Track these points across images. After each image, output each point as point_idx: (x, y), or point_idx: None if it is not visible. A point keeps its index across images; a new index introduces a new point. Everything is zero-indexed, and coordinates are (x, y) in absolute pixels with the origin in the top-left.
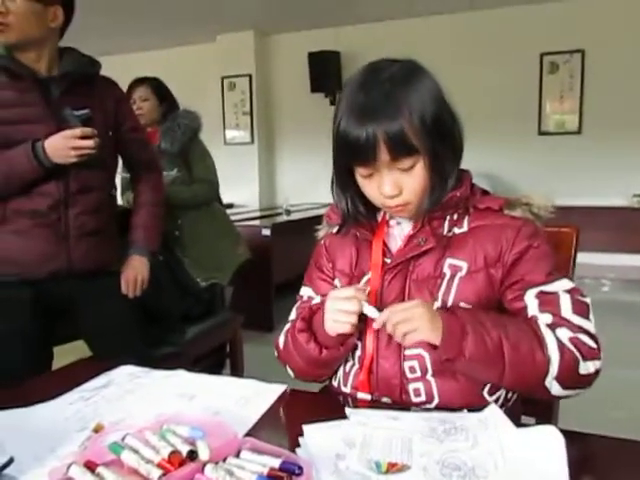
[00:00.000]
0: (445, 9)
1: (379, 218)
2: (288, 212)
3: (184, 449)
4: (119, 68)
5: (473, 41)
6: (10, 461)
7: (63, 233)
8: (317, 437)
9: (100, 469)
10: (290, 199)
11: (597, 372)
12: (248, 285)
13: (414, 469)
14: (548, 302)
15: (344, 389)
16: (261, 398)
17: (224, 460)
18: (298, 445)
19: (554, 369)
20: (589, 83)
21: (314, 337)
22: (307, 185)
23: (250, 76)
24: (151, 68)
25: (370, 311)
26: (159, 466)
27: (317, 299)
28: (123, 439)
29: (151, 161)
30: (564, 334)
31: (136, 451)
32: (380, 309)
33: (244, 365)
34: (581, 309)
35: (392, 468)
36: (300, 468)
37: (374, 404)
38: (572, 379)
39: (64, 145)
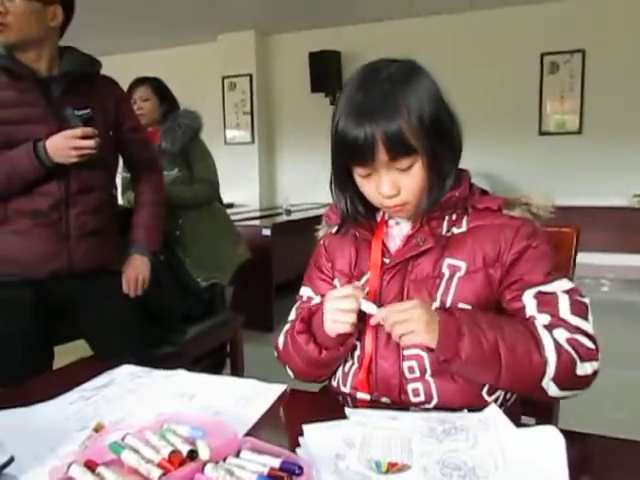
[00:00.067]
0: (445, 9)
1: (378, 218)
2: (288, 212)
3: (184, 449)
4: (120, 68)
5: (473, 41)
6: (10, 460)
7: (64, 233)
8: (317, 437)
9: (100, 469)
10: (290, 199)
11: (595, 373)
12: (248, 285)
13: (414, 469)
14: (546, 302)
15: (343, 389)
16: (261, 398)
17: (224, 460)
18: (298, 445)
19: (551, 370)
20: (590, 83)
21: (313, 338)
22: (307, 185)
23: (251, 76)
24: (152, 68)
25: (368, 307)
26: (159, 466)
27: (317, 299)
28: (123, 439)
29: (152, 161)
30: (561, 335)
31: (136, 451)
32: (379, 306)
33: (244, 365)
34: (579, 310)
35: (392, 468)
36: (300, 468)
37: (373, 404)
38: (569, 380)
39: (65, 145)
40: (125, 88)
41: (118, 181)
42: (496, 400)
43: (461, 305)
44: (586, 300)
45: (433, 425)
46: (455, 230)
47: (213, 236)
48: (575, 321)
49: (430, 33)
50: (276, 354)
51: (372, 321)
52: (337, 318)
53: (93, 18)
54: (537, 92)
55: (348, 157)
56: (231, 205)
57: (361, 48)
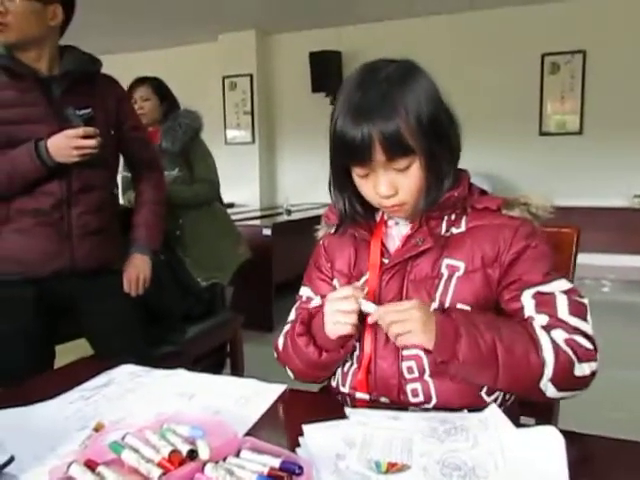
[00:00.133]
0: (446, 9)
1: (377, 218)
2: (289, 212)
3: (184, 448)
4: (120, 67)
5: (474, 41)
6: (11, 460)
7: (66, 232)
8: (317, 437)
9: (100, 468)
10: (291, 199)
11: (593, 374)
12: (248, 285)
13: (414, 469)
14: (544, 303)
15: (342, 389)
16: (261, 398)
17: (224, 459)
18: (298, 445)
19: (549, 371)
20: (590, 84)
21: (313, 340)
22: (308, 185)
23: (251, 76)
24: (152, 67)
25: (368, 308)
26: (159, 465)
27: (316, 299)
28: (123, 438)
29: (152, 160)
30: (559, 335)
31: (136, 450)
32: (379, 305)
33: (244, 365)
34: (578, 310)
35: (392, 468)
36: (300, 468)
37: (372, 404)
38: (567, 381)
39: (66, 144)
40: (125, 88)
41: (119, 181)
42: (495, 400)
43: (460, 305)
44: (585, 301)
45: (434, 425)
46: (454, 230)
47: (213, 236)
48: (573, 322)
49: (430, 33)
50: (276, 355)
51: (370, 319)
52: (337, 320)
53: (93, 17)
54: (538, 92)
55: (346, 157)
56: (231, 205)
57: (362, 48)
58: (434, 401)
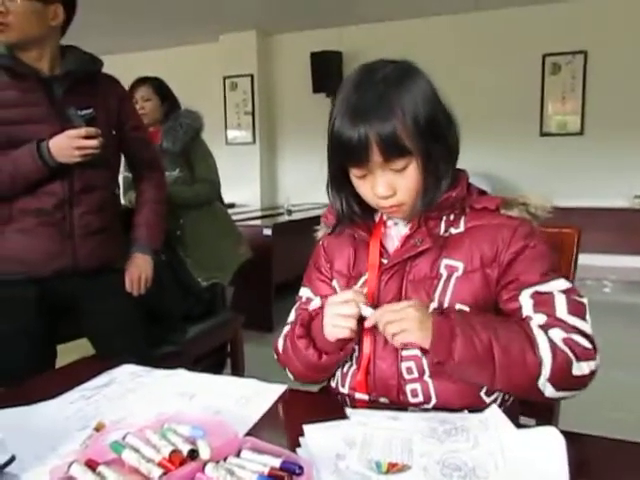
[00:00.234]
0: (448, 10)
1: (376, 219)
2: (289, 212)
3: (185, 448)
4: (121, 67)
5: (475, 42)
6: (12, 459)
7: (68, 232)
8: (317, 437)
9: (101, 468)
10: (291, 199)
11: (592, 373)
12: (249, 285)
13: (414, 469)
14: (543, 302)
15: (342, 390)
16: (261, 398)
17: (225, 459)
18: (298, 445)
19: (546, 370)
20: (591, 84)
21: (313, 343)
22: (308, 185)
23: (252, 76)
24: (153, 68)
25: (368, 312)
26: (160, 465)
27: (316, 300)
28: (124, 438)
29: (153, 160)
30: (557, 335)
31: (137, 450)
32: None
33: (244, 365)
34: (577, 309)
35: (392, 468)
36: (300, 468)
37: (372, 404)
38: (565, 380)
39: (68, 145)
40: (126, 88)
41: (120, 181)
42: (495, 401)
43: (459, 306)
44: (584, 300)
45: (434, 425)
46: (453, 230)
47: (214, 236)
48: (572, 321)
49: (432, 34)
50: (276, 356)
51: (367, 323)
52: (337, 323)
53: (94, 17)
54: (538, 93)
55: (343, 158)
56: (232, 205)
57: (363, 48)
58: (434, 401)
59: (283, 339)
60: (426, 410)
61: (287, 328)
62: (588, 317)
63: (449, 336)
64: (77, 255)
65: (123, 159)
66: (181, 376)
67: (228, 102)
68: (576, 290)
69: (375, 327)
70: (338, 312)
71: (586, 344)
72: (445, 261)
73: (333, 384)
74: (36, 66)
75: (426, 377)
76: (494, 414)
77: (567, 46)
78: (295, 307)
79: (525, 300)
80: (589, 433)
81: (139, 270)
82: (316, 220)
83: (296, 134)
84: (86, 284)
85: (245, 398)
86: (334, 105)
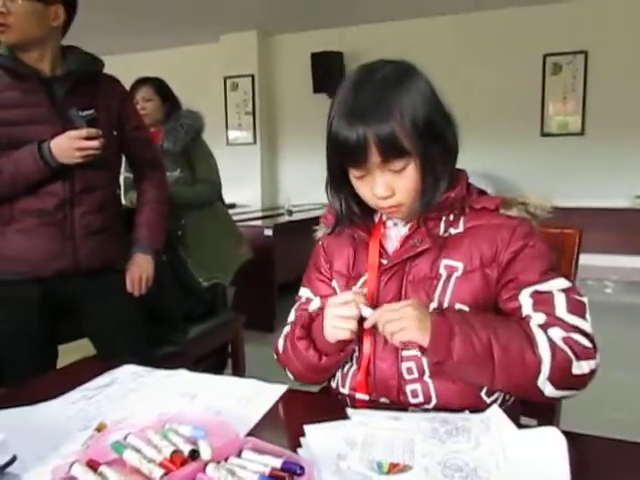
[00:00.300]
0: (449, 10)
1: (376, 219)
2: (290, 212)
3: (186, 448)
4: (122, 68)
5: (475, 42)
6: (13, 459)
7: (69, 232)
8: (318, 437)
9: (102, 468)
10: (292, 199)
11: (592, 372)
12: (250, 285)
13: (416, 469)
14: (542, 301)
15: (342, 390)
16: (262, 398)
17: (226, 460)
18: (299, 445)
19: (546, 369)
20: (592, 84)
21: (313, 344)
22: (309, 185)
23: (253, 76)
24: (154, 68)
25: (368, 313)
26: (161, 465)
27: (316, 300)
28: (125, 438)
29: (155, 159)
30: (557, 334)
31: (138, 450)
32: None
33: (245, 365)
34: (577, 308)
35: (394, 468)
36: (302, 468)
37: (372, 404)
38: (565, 379)
39: (69, 146)
40: (127, 88)
41: (121, 181)
42: (495, 401)
43: (458, 306)
44: (584, 299)
45: (436, 426)
46: (452, 230)
47: (215, 236)
48: (572, 320)
49: (433, 34)
50: (276, 357)
51: (366, 324)
52: (337, 325)
53: (95, 18)
54: (539, 93)
55: (341, 158)
56: (233, 205)
57: (364, 49)
58: (434, 402)
59: (283, 340)
60: (427, 410)
61: (287, 328)
62: (588, 316)
63: (448, 335)
64: (78, 255)
65: (124, 159)
66: (182, 376)
67: (229, 102)
68: (576, 289)
69: (375, 327)
70: (338, 313)
71: (586, 343)
72: (445, 261)
73: (333, 384)
74: (37, 67)
75: (426, 377)
76: (495, 414)
77: (568, 46)
78: (295, 307)
79: (525, 299)
80: (590, 433)
81: (140, 270)
82: (317, 220)
83: (297, 134)
84: (87, 284)
85: (246, 398)
86: (332, 105)
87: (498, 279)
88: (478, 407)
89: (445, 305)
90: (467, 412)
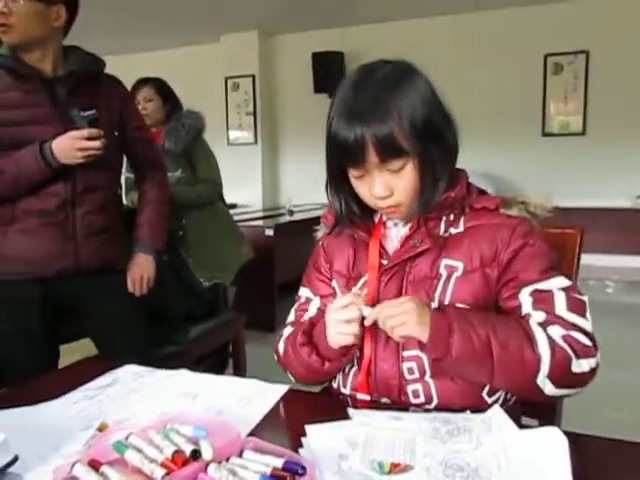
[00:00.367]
0: (450, 10)
1: (376, 219)
2: (291, 212)
3: (187, 448)
4: (123, 68)
5: (477, 42)
6: (15, 459)
7: (71, 232)
8: (320, 437)
9: (104, 468)
10: (293, 199)
11: (592, 370)
12: (251, 285)
13: (417, 470)
14: (542, 300)
15: (343, 390)
16: (264, 398)
17: (227, 460)
18: (301, 445)
19: (545, 367)
20: (593, 84)
21: (316, 350)
22: (310, 185)
23: (254, 76)
24: (155, 68)
25: (369, 313)
26: (162, 465)
27: (315, 300)
28: (127, 438)
29: (156, 160)
30: (556, 332)
31: (140, 450)
32: None
33: (246, 365)
34: (577, 307)
35: (395, 468)
36: (303, 468)
37: (374, 404)
38: (565, 377)
39: (71, 146)
40: (128, 89)
41: (122, 181)
42: (496, 401)
43: (459, 305)
44: (584, 298)
45: (437, 426)
46: (452, 230)
47: (216, 236)
48: (571, 318)
49: (434, 34)
50: (276, 358)
51: (367, 322)
52: (340, 330)
53: (95, 18)
54: (540, 93)
55: (340, 158)
56: (234, 205)
57: (365, 49)
58: (435, 402)
59: (284, 343)
60: (428, 410)
61: (287, 330)
62: (588, 315)
63: (447, 331)
64: (80, 255)
65: (125, 160)
66: (184, 376)
67: (230, 103)
68: (576, 288)
69: (376, 328)
70: (340, 318)
71: (586, 341)
72: (445, 261)
73: (335, 385)
74: (39, 67)
75: (427, 377)
76: (497, 414)
77: (569, 46)
78: (294, 307)
79: (524, 298)
80: (591, 433)
81: (141, 270)
82: (318, 220)
83: (298, 134)
84: (88, 284)
85: (247, 398)
86: (331, 105)
87: (498, 278)
88: (479, 407)
89: None
90: (468, 412)
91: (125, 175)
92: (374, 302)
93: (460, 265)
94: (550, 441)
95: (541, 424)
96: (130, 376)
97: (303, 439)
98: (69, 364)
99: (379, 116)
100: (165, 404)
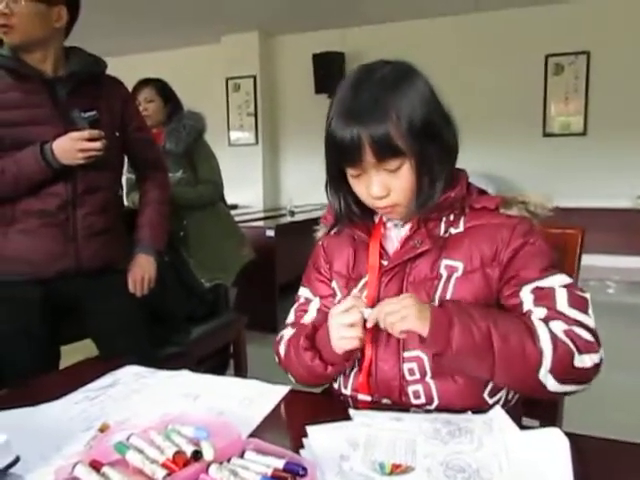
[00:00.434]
0: (450, 10)
1: (376, 220)
2: (292, 213)
3: (189, 449)
4: (123, 69)
5: (477, 43)
6: (16, 460)
7: (71, 233)
8: (321, 438)
9: (105, 469)
10: (294, 200)
11: (596, 366)
12: (252, 286)
13: (418, 470)
14: (543, 297)
15: (344, 391)
16: (265, 399)
17: (228, 460)
18: (302, 446)
19: (547, 362)
20: (594, 85)
21: (319, 354)
22: (311, 186)
23: (254, 77)
24: (155, 69)
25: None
26: (164, 466)
27: (315, 300)
28: (128, 439)
29: (157, 160)
30: (558, 327)
31: (141, 451)
32: None
33: (247, 366)
34: (578, 303)
35: (396, 469)
36: (304, 469)
37: (375, 405)
38: (568, 372)
39: (72, 147)
40: (129, 89)
41: (123, 182)
42: (498, 402)
43: None
44: (586, 295)
45: (438, 427)
46: (453, 230)
47: (217, 237)
48: (573, 314)
49: (435, 34)
50: (277, 360)
51: (368, 324)
52: (344, 334)
53: (96, 18)
54: (541, 93)
55: (338, 157)
56: (235, 206)
57: (365, 49)
58: (436, 402)
59: (285, 345)
60: (429, 411)
61: (288, 332)
62: (590, 312)
63: (447, 325)
64: (80, 256)
65: (126, 160)
66: (185, 377)
67: (231, 103)
68: (578, 286)
69: (377, 329)
70: (342, 322)
71: (588, 337)
72: (445, 261)
73: (335, 385)
74: (40, 68)
75: (428, 378)
76: (498, 415)
77: (570, 47)
78: (294, 308)
79: (526, 295)
80: (592, 434)
81: (142, 271)
82: (319, 221)
83: (298, 135)
84: (89, 285)
85: (248, 399)
86: (330, 105)
87: (499, 278)
88: (480, 408)
89: None
90: (469, 413)
91: (126, 176)
92: (374, 304)
93: (460, 265)
94: (551, 442)
95: (542, 425)
96: (131, 377)
97: (304, 440)
98: (70, 365)
99: (376, 116)
100: (166, 405)
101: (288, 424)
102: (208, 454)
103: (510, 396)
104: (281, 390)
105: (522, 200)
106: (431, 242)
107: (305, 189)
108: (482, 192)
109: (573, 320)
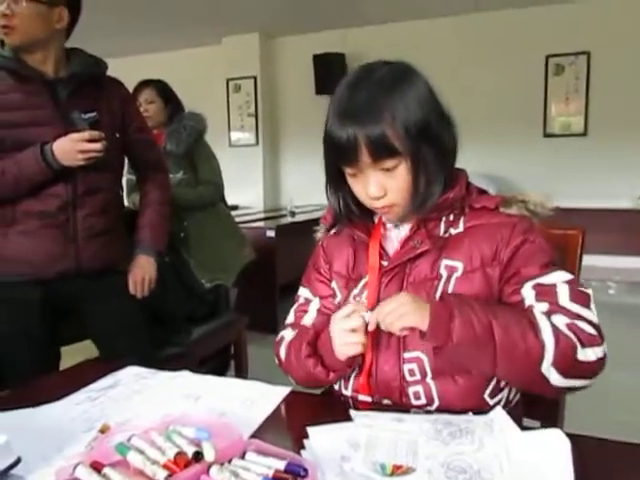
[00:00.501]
0: (450, 11)
1: (376, 220)
2: (292, 214)
3: (190, 450)
4: (124, 70)
5: (478, 43)
6: (17, 461)
7: (72, 234)
8: (322, 439)
9: (106, 470)
10: (294, 200)
11: (600, 360)
12: (252, 286)
13: (419, 471)
14: (545, 292)
15: (345, 392)
16: (266, 400)
17: (229, 461)
18: (303, 447)
19: (550, 355)
20: (595, 85)
21: (321, 360)
22: (311, 187)
23: (255, 78)
24: (156, 70)
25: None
26: (165, 467)
27: (315, 300)
28: (129, 440)
29: (157, 161)
30: (560, 320)
31: (142, 452)
32: None
33: (248, 366)
34: (580, 298)
35: (397, 470)
36: (305, 470)
37: (375, 406)
38: (571, 366)
39: (72, 148)
40: (130, 90)
41: (123, 183)
42: (498, 402)
43: None
44: (588, 290)
45: (439, 428)
46: (452, 231)
47: (218, 238)
48: (575, 308)
49: (435, 35)
50: (277, 362)
51: (370, 327)
52: (346, 340)
53: (97, 19)
54: (542, 94)
55: (335, 157)
56: (235, 207)
57: (366, 50)
58: (436, 403)
59: (286, 348)
60: (429, 412)
61: (288, 333)
62: (593, 307)
63: (447, 317)
64: (80, 257)
65: (127, 161)
66: (186, 378)
67: (231, 104)
68: (579, 282)
69: (377, 330)
70: (345, 327)
71: (591, 330)
72: (445, 262)
73: (336, 387)
74: (41, 69)
75: (428, 379)
76: (499, 416)
77: (570, 47)
78: (294, 308)
79: (527, 292)
80: (594, 435)
81: (143, 272)
82: (319, 222)
83: (299, 136)
84: (89, 285)
85: (250, 400)
86: (329, 105)
87: (500, 277)
88: (481, 409)
89: None
90: (470, 414)
91: (126, 177)
92: (375, 304)
93: (460, 265)
94: (552, 443)
95: (543, 426)
96: (132, 378)
97: (305, 441)
98: (71, 366)
99: (373, 117)
100: (167, 406)
101: (289, 425)
102: (209, 455)
103: (511, 397)
104: (282, 391)
105: (522, 199)
106: (431, 242)
107: (305, 190)
108: (482, 192)
109: (575, 314)
